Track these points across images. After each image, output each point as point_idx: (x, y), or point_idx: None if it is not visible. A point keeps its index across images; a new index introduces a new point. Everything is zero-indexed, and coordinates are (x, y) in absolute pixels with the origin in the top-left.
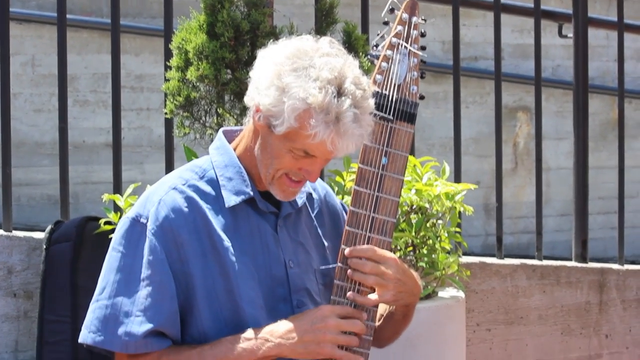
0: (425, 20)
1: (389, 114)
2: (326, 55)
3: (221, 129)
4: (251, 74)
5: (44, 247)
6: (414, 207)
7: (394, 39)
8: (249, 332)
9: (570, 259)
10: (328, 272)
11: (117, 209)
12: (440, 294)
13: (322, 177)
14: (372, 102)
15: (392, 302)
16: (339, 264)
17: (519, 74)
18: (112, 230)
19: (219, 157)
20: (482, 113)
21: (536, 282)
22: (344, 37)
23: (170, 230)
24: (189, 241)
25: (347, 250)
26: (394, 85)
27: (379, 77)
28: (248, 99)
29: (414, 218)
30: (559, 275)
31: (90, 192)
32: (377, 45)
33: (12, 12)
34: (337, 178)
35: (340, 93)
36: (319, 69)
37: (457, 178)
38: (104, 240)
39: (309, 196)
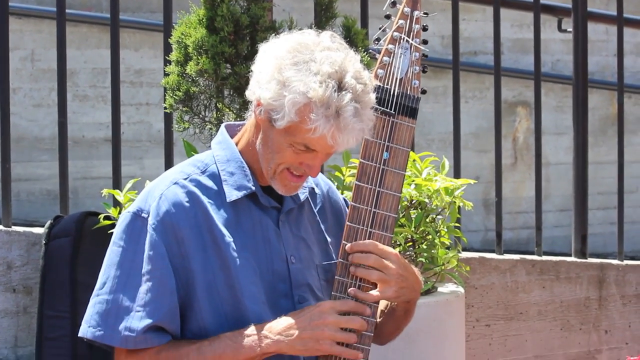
0: (427, 14)
1: (391, 108)
2: (327, 50)
3: (224, 124)
4: (253, 68)
5: (44, 242)
6: (414, 202)
7: (396, 33)
8: (248, 329)
9: (569, 255)
10: (330, 268)
11: (117, 204)
12: (440, 289)
13: (322, 172)
14: (373, 96)
15: (394, 299)
16: (340, 260)
17: (518, 68)
18: (112, 226)
19: (221, 152)
20: (482, 108)
21: (536, 277)
22: (343, 32)
23: (171, 225)
24: (190, 236)
25: (348, 246)
26: (396, 79)
27: (380, 71)
28: (249, 93)
29: (413, 213)
30: (559, 270)
31: (89, 187)
32: (378, 39)
33: (12, 7)
34: (337, 173)
35: (340, 87)
36: (320, 63)
37: (457, 173)
38: (103, 235)
39: (312, 191)
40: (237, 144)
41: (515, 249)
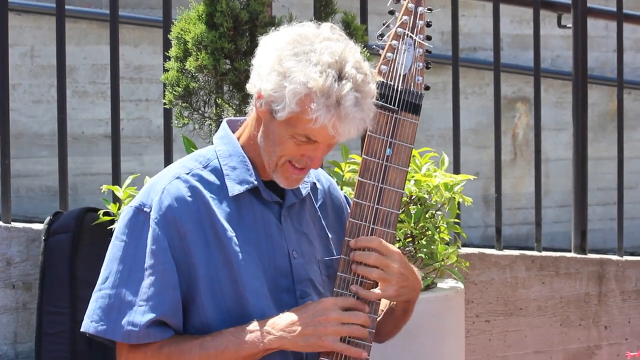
0: (431, 10)
1: (394, 104)
2: (327, 40)
3: (225, 119)
4: (253, 61)
5: (43, 238)
6: (413, 197)
7: (400, 29)
8: (251, 325)
9: (569, 250)
10: (332, 264)
11: (116, 200)
12: (440, 285)
13: (321, 168)
14: (373, 86)
15: (394, 297)
16: (343, 256)
17: (518, 64)
18: (111, 222)
19: (222, 147)
20: (481, 104)
21: (535, 273)
22: (343, 28)
23: (174, 219)
24: (192, 231)
25: (352, 241)
26: (400, 75)
27: (384, 67)
28: (250, 86)
29: (413, 209)
30: (558, 266)
31: (89, 184)
32: (382, 35)
33: (11, 3)
34: (336, 169)
35: (341, 77)
36: (320, 53)
37: (456, 169)
38: (102, 231)
39: (313, 186)
40: (238, 139)
41: (515, 245)
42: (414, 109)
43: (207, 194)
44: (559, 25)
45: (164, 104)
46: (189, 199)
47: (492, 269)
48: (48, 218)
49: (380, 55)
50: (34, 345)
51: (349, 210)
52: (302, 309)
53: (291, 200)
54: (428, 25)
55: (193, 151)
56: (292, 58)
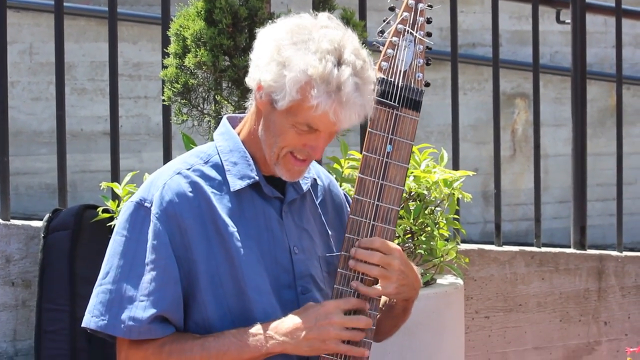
0: (431, 6)
1: (395, 101)
2: (325, 28)
3: (225, 115)
4: (251, 55)
5: (42, 235)
6: (413, 194)
7: (400, 26)
8: (254, 328)
9: (568, 246)
10: (332, 260)
11: (115, 197)
12: (439, 281)
13: (319, 163)
14: (372, 73)
15: (394, 295)
16: (343, 252)
17: (516, 60)
18: (110, 219)
19: (223, 143)
20: (480, 100)
21: (535, 269)
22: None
23: (174, 215)
24: (193, 226)
25: (356, 243)
26: (400, 72)
27: (384, 63)
28: (249, 80)
29: (412, 205)
30: (558, 262)
31: (88, 181)
32: (382, 32)
33: (10, 0)
34: (335, 165)
35: (340, 63)
36: (318, 41)
37: (456, 165)
38: (102, 228)
39: (314, 182)
40: (238, 135)
41: (514, 241)
42: (415, 105)
43: (208, 189)
44: (558, 21)
45: (163, 100)
46: (190, 194)
47: (491, 265)
48: (47, 215)
49: (380, 51)
50: (33, 343)
51: (349, 209)
52: (304, 312)
53: (292, 195)
54: (428, 21)
55: (192, 148)
56: (291, 47)
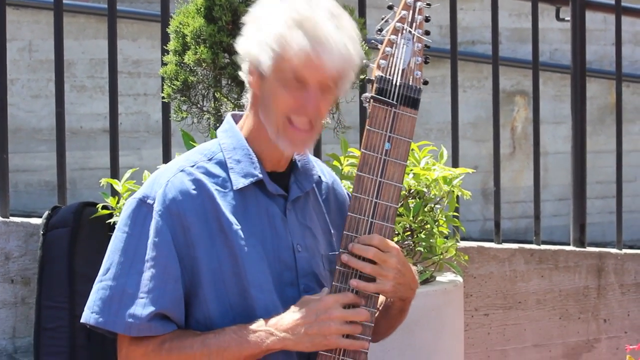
0: (429, 4)
1: (393, 99)
2: None
3: (229, 113)
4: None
5: (42, 232)
6: (412, 191)
7: (398, 24)
8: (254, 324)
9: (568, 244)
10: (334, 259)
11: (115, 194)
12: (438, 278)
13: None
14: (350, 18)
15: (390, 293)
16: (342, 250)
17: (516, 58)
18: (110, 216)
19: (227, 140)
20: (480, 97)
21: (534, 266)
22: None
23: (177, 212)
24: (196, 224)
25: (355, 240)
26: (398, 70)
27: (382, 61)
28: (242, 73)
29: (411, 202)
30: (557, 259)
31: (87, 178)
32: (381, 30)
33: None
34: (335, 162)
35: (312, 6)
36: (292, 1)
37: (455, 163)
38: (101, 225)
39: (318, 180)
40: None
41: (514, 239)
42: (413, 103)
43: (212, 187)
44: (558, 18)
45: (162, 98)
46: (193, 192)
47: (491, 262)
48: (46, 212)
49: (378, 49)
50: (32, 340)
51: None
52: (303, 308)
53: (296, 193)
54: (427, 20)
55: (191, 145)
56: (261, 10)
